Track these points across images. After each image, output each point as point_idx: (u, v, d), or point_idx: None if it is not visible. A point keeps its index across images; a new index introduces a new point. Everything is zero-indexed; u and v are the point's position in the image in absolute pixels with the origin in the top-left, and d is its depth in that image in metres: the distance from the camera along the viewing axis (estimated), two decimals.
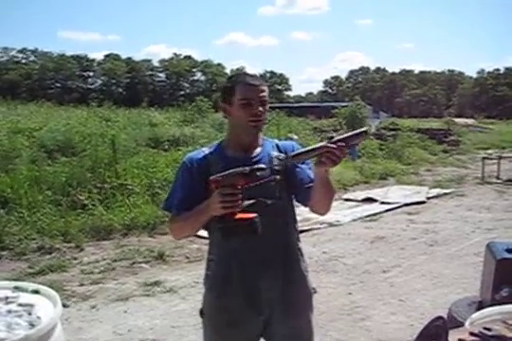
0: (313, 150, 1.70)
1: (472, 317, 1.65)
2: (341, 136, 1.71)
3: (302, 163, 1.96)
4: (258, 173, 1.68)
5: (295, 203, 2.07)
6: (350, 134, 1.73)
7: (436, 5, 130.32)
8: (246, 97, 1.89)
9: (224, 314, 1.98)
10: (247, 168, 1.68)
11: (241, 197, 1.68)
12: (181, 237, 2.09)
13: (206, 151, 2.03)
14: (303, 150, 1.74)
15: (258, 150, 2.00)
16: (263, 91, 1.92)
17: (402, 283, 5.09)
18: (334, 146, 1.67)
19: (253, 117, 1.90)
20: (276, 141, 2.10)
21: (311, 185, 1.91)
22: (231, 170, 1.70)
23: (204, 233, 2.05)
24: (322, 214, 2.02)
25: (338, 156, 1.68)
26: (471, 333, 1.55)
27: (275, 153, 2.00)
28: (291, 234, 2.04)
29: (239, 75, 2.01)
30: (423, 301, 4.56)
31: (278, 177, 1.94)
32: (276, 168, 1.96)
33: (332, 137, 1.72)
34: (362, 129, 1.75)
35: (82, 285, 5.08)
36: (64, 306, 4.20)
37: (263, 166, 1.72)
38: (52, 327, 1.85)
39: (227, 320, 1.97)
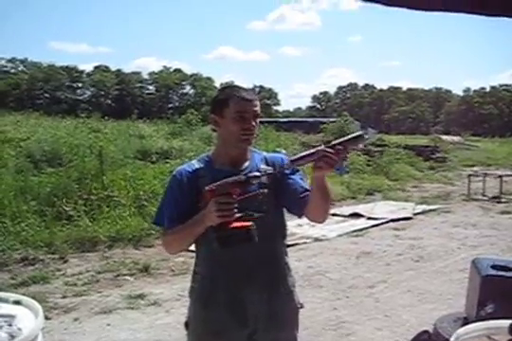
0: (311, 154, 1.70)
1: (458, 333, 1.65)
2: (338, 140, 1.71)
3: (296, 171, 1.98)
4: (253, 182, 1.69)
5: (285, 218, 2.06)
6: (347, 137, 1.73)
7: (423, 24, 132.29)
8: (241, 110, 1.91)
9: (208, 326, 1.97)
10: (242, 176, 1.70)
11: (236, 206, 1.69)
12: (176, 251, 2.08)
13: (195, 164, 2.03)
14: (301, 154, 1.73)
15: (246, 163, 2.00)
16: (256, 106, 1.94)
17: (388, 299, 5.08)
18: (331, 150, 1.68)
19: (246, 131, 1.91)
20: (264, 154, 2.10)
21: (306, 194, 1.91)
22: (226, 179, 1.71)
23: (190, 246, 2.04)
24: (320, 222, 1.98)
25: (335, 160, 1.68)
26: None
27: (263, 167, 1.99)
28: (278, 248, 2.04)
29: (233, 88, 2.01)
30: (408, 317, 4.55)
31: (265, 191, 1.94)
32: (263, 181, 1.96)
33: (329, 142, 1.73)
34: (358, 133, 1.74)
35: (65, 297, 5.02)
36: (47, 318, 4.15)
37: (257, 174, 1.73)
38: (33, 339, 1.82)
39: (211, 332, 1.97)
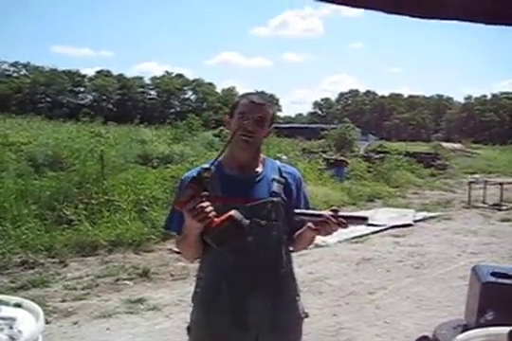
0: (317, 215, 1.81)
1: (458, 339, 1.65)
2: (345, 214, 1.80)
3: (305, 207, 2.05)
4: (205, 174, 1.68)
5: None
6: (353, 214, 1.85)
7: (425, 31, 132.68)
8: (244, 111, 1.96)
9: (210, 331, 1.97)
10: (196, 174, 1.71)
11: (208, 204, 1.69)
12: (191, 259, 2.08)
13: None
14: (309, 212, 1.86)
15: (257, 169, 2.03)
16: (262, 110, 1.97)
17: (387, 305, 5.07)
18: (334, 220, 1.77)
19: (244, 132, 1.93)
20: (278, 164, 2.11)
21: (297, 228, 1.99)
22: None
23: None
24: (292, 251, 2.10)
25: (334, 230, 1.79)
26: None
27: (276, 177, 2.02)
28: (283, 256, 2.03)
29: (250, 93, 2.10)
30: (408, 324, 4.55)
31: (275, 199, 1.96)
32: (274, 190, 1.98)
33: (337, 211, 1.80)
34: (364, 215, 1.87)
35: (64, 301, 5.01)
36: (46, 322, 4.14)
37: (206, 166, 1.73)
38: None
39: (212, 337, 1.96)
